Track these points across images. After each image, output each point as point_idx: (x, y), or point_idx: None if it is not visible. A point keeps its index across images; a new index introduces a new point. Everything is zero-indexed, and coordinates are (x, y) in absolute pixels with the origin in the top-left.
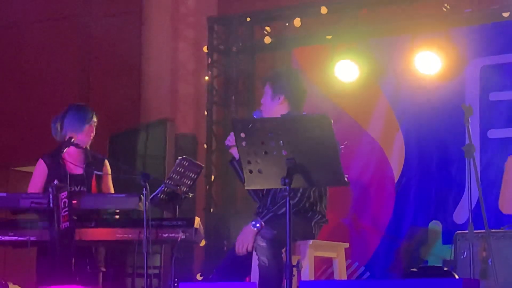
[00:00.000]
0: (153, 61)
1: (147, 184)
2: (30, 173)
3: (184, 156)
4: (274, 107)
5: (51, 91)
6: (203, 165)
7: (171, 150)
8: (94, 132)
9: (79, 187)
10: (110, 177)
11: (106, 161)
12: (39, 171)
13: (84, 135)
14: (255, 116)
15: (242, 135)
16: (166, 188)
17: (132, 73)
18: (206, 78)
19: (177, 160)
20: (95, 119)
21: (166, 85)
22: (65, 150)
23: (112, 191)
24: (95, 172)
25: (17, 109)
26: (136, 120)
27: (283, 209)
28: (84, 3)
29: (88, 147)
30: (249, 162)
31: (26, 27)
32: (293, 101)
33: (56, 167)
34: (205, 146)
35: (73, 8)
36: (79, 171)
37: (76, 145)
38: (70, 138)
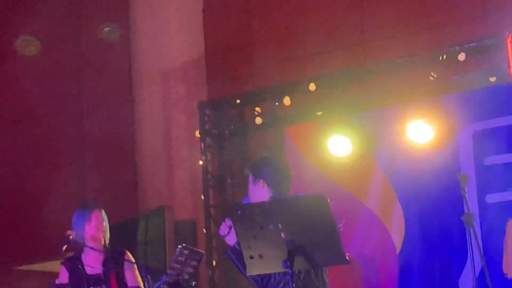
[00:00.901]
0: (147, 149)
1: (148, 276)
2: (32, 272)
3: (184, 245)
4: (256, 192)
5: (47, 184)
6: (203, 252)
7: (171, 237)
8: (104, 223)
9: (99, 287)
10: (135, 266)
11: (127, 252)
12: (62, 277)
13: (90, 232)
14: (244, 201)
15: (241, 220)
16: (168, 279)
17: (127, 163)
18: (201, 162)
19: (177, 249)
20: (98, 212)
21: (162, 172)
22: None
23: (140, 281)
24: (114, 267)
25: (17, 207)
26: (134, 209)
27: None
28: (76, 96)
29: (105, 241)
30: (249, 247)
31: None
32: (274, 184)
33: (76, 271)
34: (204, 231)
35: (66, 102)
36: (97, 271)
37: (91, 248)
38: (80, 244)
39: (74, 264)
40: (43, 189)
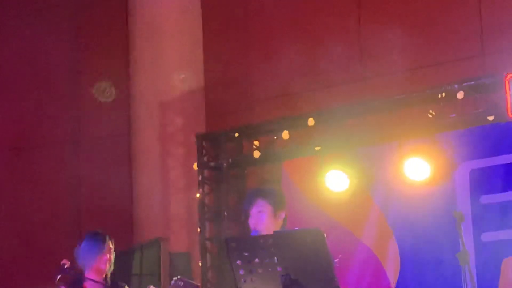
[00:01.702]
0: (144, 180)
1: None
2: None
3: (179, 277)
4: (276, 225)
5: (42, 214)
6: (199, 285)
7: (166, 269)
8: (112, 257)
9: None
10: None
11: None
12: None
13: (98, 264)
14: (253, 234)
15: (236, 254)
16: None
17: (123, 194)
18: (198, 195)
19: (172, 281)
20: (111, 245)
21: (158, 204)
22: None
23: None
24: None
25: (10, 236)
26: (129, 241)
27: None
28: (73, 126)
29: (108, 274)
30: (245, 281)
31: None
32: (286, 218)
33: None
34: (200, 263)
35: (63, 132)
36: None
37: (90, 279)
38: (78, 274)
39: (77, 284)
40: (37, 217)
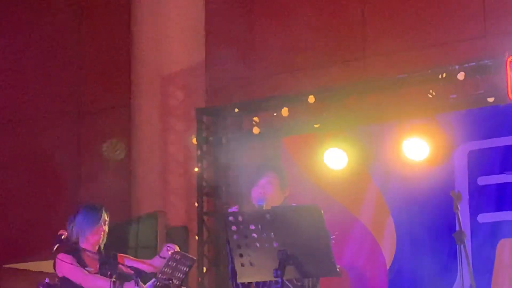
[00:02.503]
0: (143, 154)
1: (139, 279)
2: (23, 271)
3: (175, 249)
4: (282, 199)
5: (41, 185)
6: (195, 258)
7: (163, 242)
8: (106, 229)
9: None
10: (128, 269)
11: (118, 255)
12: (71, 260)
13: (94, 235)
14: (260, 203)
15: (234, 228)
16: (158, 283)
17: (122, 167)
18: (196, 169)
19: (169, 254)
20: (106, 217)
21: (157, 178)
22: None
23: None
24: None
25: (8, 206)
26: (127, 214)
27: None
28: (74, 97)
29: (102, 245)
30: (241, 255)
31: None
32: (287, 197)
33: (78, 258)
34: (197, 237)
35: (63, 103)
36: (95, 271)
37: (88, 251)
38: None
39: (75, 253)
40: (36, 189)
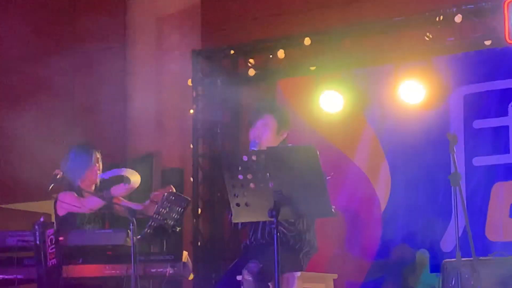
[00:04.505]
0: (138, 95)
1: (134, 219)
2: (18, 211)
3: (170, 190)
4: (277, 142)
5: (35, 125)
6: (190, 199)
7: (158, 184)
8: (101, 167)
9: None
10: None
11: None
12: (66, 200)
13: (89, 175)
14: (252, 148)
15: (228, 168)
16: (153, 223)
17: (117, 108)
18: (191, 111)
19: (163, 194)
20: (98, 155)
21: (152, 120)
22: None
23: None
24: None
25: (2, 147)
26: (122, 155)
27: None
28: (72, 36)
29: (98, 182)
30: (236, 196)
31: None
32: (286, 138)
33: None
34: (192, 179)
35: (58, 39)
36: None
37: (86, 191)
38: (69, 184)
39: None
40: (30, 130)
